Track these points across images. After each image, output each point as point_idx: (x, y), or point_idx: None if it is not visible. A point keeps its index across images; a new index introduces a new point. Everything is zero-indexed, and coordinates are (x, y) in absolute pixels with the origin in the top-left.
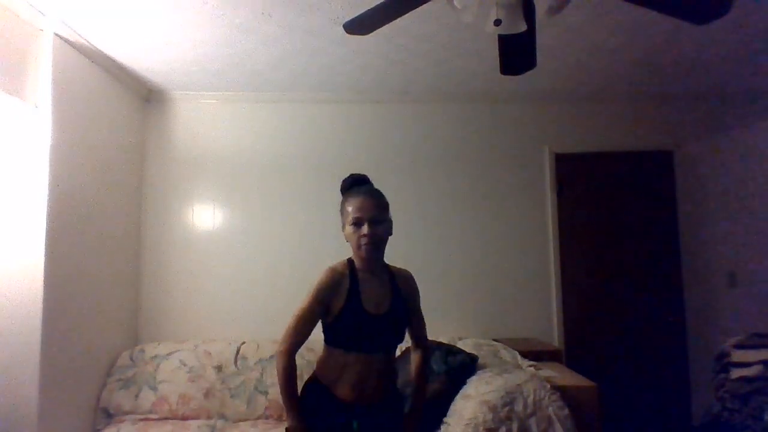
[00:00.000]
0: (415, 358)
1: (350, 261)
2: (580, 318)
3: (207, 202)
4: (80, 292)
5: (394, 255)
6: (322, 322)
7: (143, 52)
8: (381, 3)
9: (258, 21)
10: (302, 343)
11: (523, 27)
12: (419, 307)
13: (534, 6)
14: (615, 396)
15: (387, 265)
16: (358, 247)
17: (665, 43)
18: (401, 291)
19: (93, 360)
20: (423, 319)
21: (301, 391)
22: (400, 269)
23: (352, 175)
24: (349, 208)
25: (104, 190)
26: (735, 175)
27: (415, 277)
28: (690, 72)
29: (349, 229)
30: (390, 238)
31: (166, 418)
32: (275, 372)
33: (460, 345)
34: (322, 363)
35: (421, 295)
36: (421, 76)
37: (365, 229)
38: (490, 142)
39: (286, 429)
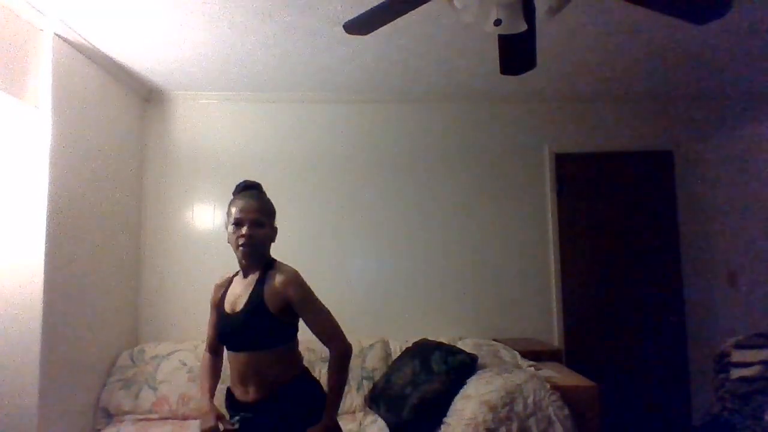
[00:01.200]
0: (329, 361)
1: (236, 273)
2: (580, 318)
3: (207, 202)
4: (80, 292)
5: (394, 254)
6: None
7: (143, 52)
8: (381, 3)
9: (258, 21)
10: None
11: (523, 27)
12: (309, 306)
13: (534, 6)
14: (615, 396)
15: (271, 265)
16: (236, 247)
17: (665, 43)
18: (264, 290)
19: (93, 360)
20: (321, 315)
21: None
22: (282, 269)
23: (245, 181)
24: (233, 209)
25: (104, 190)
26: (735, 175)
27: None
28: (690, 72)
29: (230, 229)
30: (391, 237)
31: (166, 418)
32: None
33: (460, 345)
34: None
35: (420, 294)
36: (421, 76)
37: (244, 229)
38: (490, 142)
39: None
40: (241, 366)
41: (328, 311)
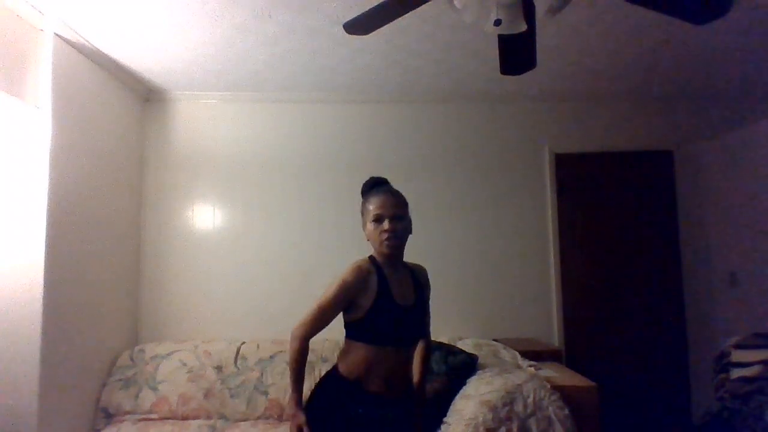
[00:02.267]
0: (420, 349)
1: (372, 258)
2: (580, 318)
3: (207, 202)
4: (80, 292)
5: None
6: (347, 319)
7: (143, 52)
8: (381, 3)
9: (258, 21)
10: (317, 333)
11: (523, 27)
12: (428, 297)
13: (534, 6)
14: (615, 396)
15: (404, 261)
16: (380, 243)
17: (665, 43)
18: (421, 284)
19: (93, 360)
20: (429, 310)
21: (321, 385)
22: (414, 264)
23: (372, 178)
24: (371, 207)
25: (104, 190)
26: (735, 175)
27: None
28: (690, 72)
29: (371, 226)
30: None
31: (166, 418)
32: (275, 372)
33: (460, 345)
34: (347, 358)
35: None
36: (421, 76)
37: (386, 224)
38: (490, 142)
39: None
40: (394, 360)
41: None
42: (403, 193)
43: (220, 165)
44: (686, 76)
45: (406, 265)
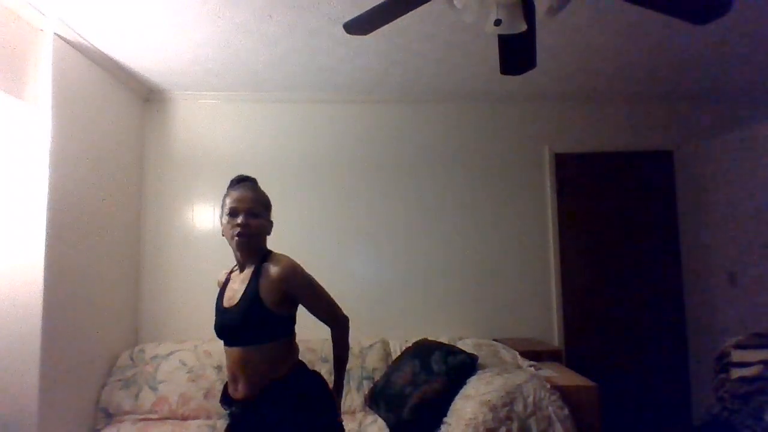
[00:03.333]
0: (331, 335)
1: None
2: (580, 318)
3: (207, 202)
4: (80, 292)
5: (394, 254)
6: None
7: (143, 52)
8: (381, 3)
9: (258, 21)
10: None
11: (523, 27)
12: (309, 293)
13: (534, 6)
14: (615, 396)
15: (266, 256)
16: (232, 238)
17: (665, 43)
18: (260, 282)
19: (93, 360)
20: (323, 301)
21: None
22: (276, 258)
23: (238, 175)
24: (227, 200)
25: (104, 190)
26: (735, 175)
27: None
28: (690, 72)
29: (225, 219)
30: (391, 237)
31: (166, 418)
32: None
33: (460, 345)
34: None
35: (420, 294)
36: (421, 76)
37: (240, 219)
38: (490, 142)
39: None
40: (234, 361)
41: (326, 293)
42: (403, 193)
43: (220, 165)
44: (686, 76)
45: (262, 263)
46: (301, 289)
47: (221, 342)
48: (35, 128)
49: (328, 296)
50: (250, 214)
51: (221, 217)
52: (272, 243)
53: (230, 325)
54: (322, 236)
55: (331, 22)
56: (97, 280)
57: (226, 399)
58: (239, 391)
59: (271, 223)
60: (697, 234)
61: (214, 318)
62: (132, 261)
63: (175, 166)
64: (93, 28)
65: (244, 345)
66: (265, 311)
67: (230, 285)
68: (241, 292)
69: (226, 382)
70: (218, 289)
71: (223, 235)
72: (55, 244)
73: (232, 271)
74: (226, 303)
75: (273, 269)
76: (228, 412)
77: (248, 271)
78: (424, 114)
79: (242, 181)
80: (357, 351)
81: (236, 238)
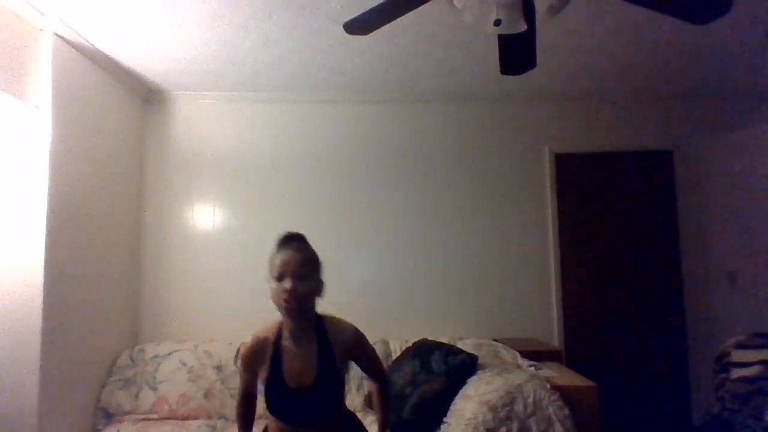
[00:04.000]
0: (373, 389)
1: (279, 325)
2: (580, 318)
3: (207, 202)
4: (80, 292)
5: (394, 254)
6: None
7: (143, 52)
8: (381, 3)
9: (258, 21)
10: (250, 388)
11: (523, 27)
12: (367, 352)
13: (534, 6)
14: (615, 396)
15: (322, 321)
16: (280, 304)
17: (665, 43)
18: (334, 353)
19: (93, 360)
20: (376, 359)
21: None
22: (336, 323)
23: (287, 233)
24: (275, 263)
25: (104, 190)
26: (735, 175)
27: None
28: (690, 72)
29: (273, 284)
30: (391, 237)
31: (166, 418)
32: None
33: (460, 345)
34: (269, 426)
35: (420, 294)
36: (421, 76)
37: (287, 282)
38: (490, 142)
39: None
40: None
41: (374, 348)
42: (403, 193)
43: (220, 165)
44: (686, 76)
45: (320, 328)
46: (365, 351)
47: (221, 342)
48: (35, 128)
49: (376, 353)
50: (298, 276)
51: (269, 281)
52: (272, 243)
53: (310, 408)
54: (322, 236)
55: (331, 22)
56: (97, 280)
57: None
58: None
59: (321, 284)
60: (697, 234)
61: (268, 398)
62: (132, 261)
63: (175, 166)
64: (93, 28)
65: (322, 424)
66: (342, 386)
67: (288, 360)
68: (315, 369)
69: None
70: (250, 356)
71: (272, 300)
72: (55, 244)
73: (274, 339)
74: (294, 383)
75: (344, 336)
76: None
77: (312, 342)
78: (424, 114)
79: (289, 241)
80: None
81: (285, 304)
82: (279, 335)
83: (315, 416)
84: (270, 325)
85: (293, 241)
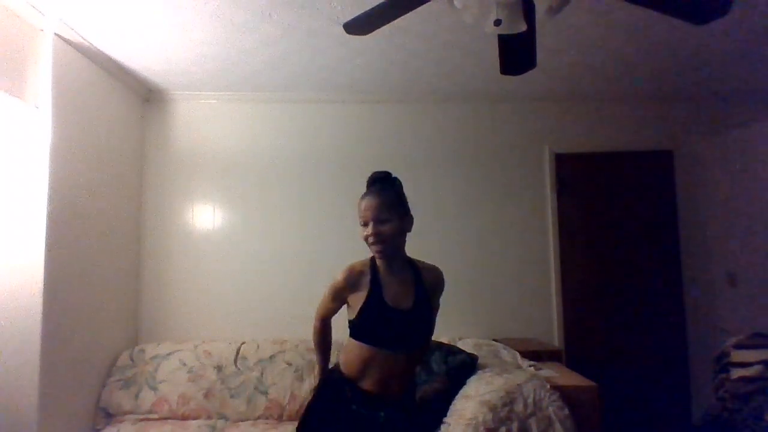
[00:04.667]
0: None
1: (372, 258)
2: (580, 318)
3: (207, 202)
4: (80, 292)
5: None
6: (348, 316)
7: (143, 52)
8: (381, 3)
9: (258, 21)
10: (331, 316)
11: (523, 27)
12: (438, 302)
13: (534, 6)
14: (615, 396)
15: (412, 261)
16: (369, 246)
17: (665, 43)
18: (426, 286)
19: (93, 360)
20: (436, 310)
21: (323, 380)
22: (427, 265)
23: (374, 174)
24: (360, 209)
25: (104, 190)
26: (735, 175)
27: None
28: (690, 72)
29: (360, 229)
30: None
31: (166, 418)
32: (275, 372)
33: (460, 345)
34: (345, 356)
35: None
36: (421, 76)
37: (369, 228)
38: (490, 142)
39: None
40: (388, 364)
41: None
42: (404, 193)
43: (220, 165)
44: (686, 76)
45: (413, 266)
46: (437, 298)
47: (221, 342)
48: (35, 128)
49: None
50: (378, 221)
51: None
52: (272, 243)
53: (407, 328)
54: (321, 236)
55: (331, 22)
56: (97, 280)
57: (362, 396)
58: (390, 390)
59: (405, 222)
60: (697, 234)
61: (366, 318)
62: (132, 261)
63: (175, 166)
64: (93, 28)
65: (411, 350)
66: (433, 317)
67: (387, 284)
68: (413, 296)
69: (344, 379)
70: (351, 277)
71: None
72: (55, 244)
73: (371, 267)
74: (394, 303)
75: (435, 275)
76: (382, 414)
77: (407, 274)
78: (424, 114)
79: (372, 184)
80: None
81: (372, 246)
82: (374, 267)
83: (410, 339)
84: (361, 261)
85: (375, 184)
